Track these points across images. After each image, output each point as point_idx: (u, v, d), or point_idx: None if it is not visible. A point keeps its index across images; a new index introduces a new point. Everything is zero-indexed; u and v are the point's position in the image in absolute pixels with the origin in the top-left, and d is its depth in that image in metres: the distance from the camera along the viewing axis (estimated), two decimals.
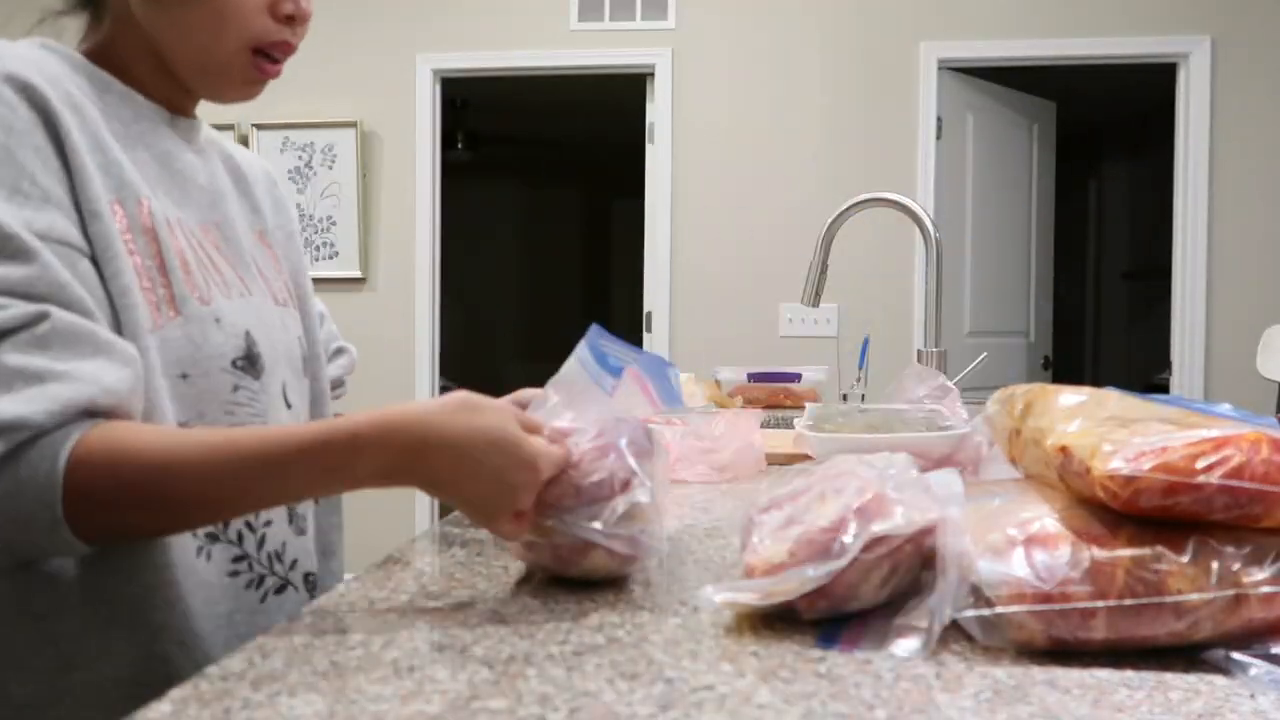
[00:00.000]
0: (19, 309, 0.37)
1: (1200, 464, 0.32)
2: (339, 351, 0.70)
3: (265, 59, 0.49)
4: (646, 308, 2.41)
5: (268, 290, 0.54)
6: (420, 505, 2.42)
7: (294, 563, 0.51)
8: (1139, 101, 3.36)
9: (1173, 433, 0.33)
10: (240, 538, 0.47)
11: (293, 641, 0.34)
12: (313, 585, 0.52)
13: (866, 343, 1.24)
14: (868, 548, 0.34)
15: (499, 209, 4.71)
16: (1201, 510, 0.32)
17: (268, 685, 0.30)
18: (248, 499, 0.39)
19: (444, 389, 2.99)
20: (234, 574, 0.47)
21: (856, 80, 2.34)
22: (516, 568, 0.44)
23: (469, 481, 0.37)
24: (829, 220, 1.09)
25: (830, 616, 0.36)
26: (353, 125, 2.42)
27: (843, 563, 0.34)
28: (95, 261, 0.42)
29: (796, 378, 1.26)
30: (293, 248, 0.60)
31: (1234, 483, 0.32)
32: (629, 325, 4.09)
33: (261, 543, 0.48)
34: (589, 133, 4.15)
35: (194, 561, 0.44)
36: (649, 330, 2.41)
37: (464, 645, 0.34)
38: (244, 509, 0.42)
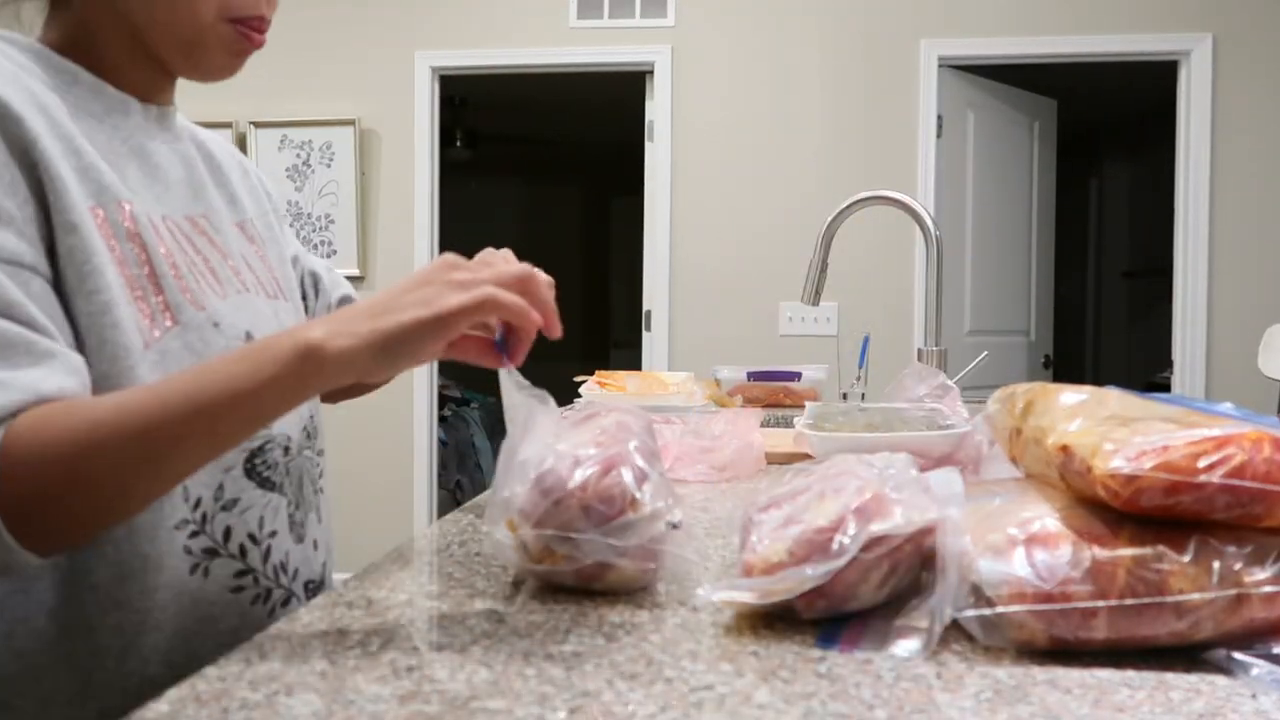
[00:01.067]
0: None
1: (1202, 463, 0.32)
2: (344, 300, 0.65)
3: (246, 28, 0.47)
4: (646, 306, 2.40)
5: (259, 284, 0.52)
6: (419, 504, 2.42)
7: (296, 572, 0.50)
8: (1140, 100, 3.35)
9: (1174, 431, 0.33)
10: (243, 551, 0.45)
11: (290, 641, 0.34)
12: (314, 594, 0.51)
13: (866, 341, 1.24)
14: (867, 547, 0.34)
15: (498, 207, 4.70)
16: (1203, 509, 0.32)
17: (265, 685, 0.30)
18: (190, 429, 0.34)
19: (442, 388, 2.98)
20: (237, 589, 0.45)
21: (857, 78, 2.34)
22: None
23: (396, 294, 0.35)
24: (829, 218, 1.08)
25: (829, 616, 0.35)
26: (351, 123, 2.42)
27: (841, 562, 0.34)
28: (65, 281, 0.39)
29: (796, 376, 1.25)
30: (275, 235, 0.57)
31: (1236, 482, 0.31)
32: (628, 324, 4.10)
33: (266, 555, 0.46)
34: (588, 130, 4.14)
35: (187, 580, 0.42)
36: (648, 329, 2.41)
37: (462, 645, 0.34)
38: (189, 448, 0.35)
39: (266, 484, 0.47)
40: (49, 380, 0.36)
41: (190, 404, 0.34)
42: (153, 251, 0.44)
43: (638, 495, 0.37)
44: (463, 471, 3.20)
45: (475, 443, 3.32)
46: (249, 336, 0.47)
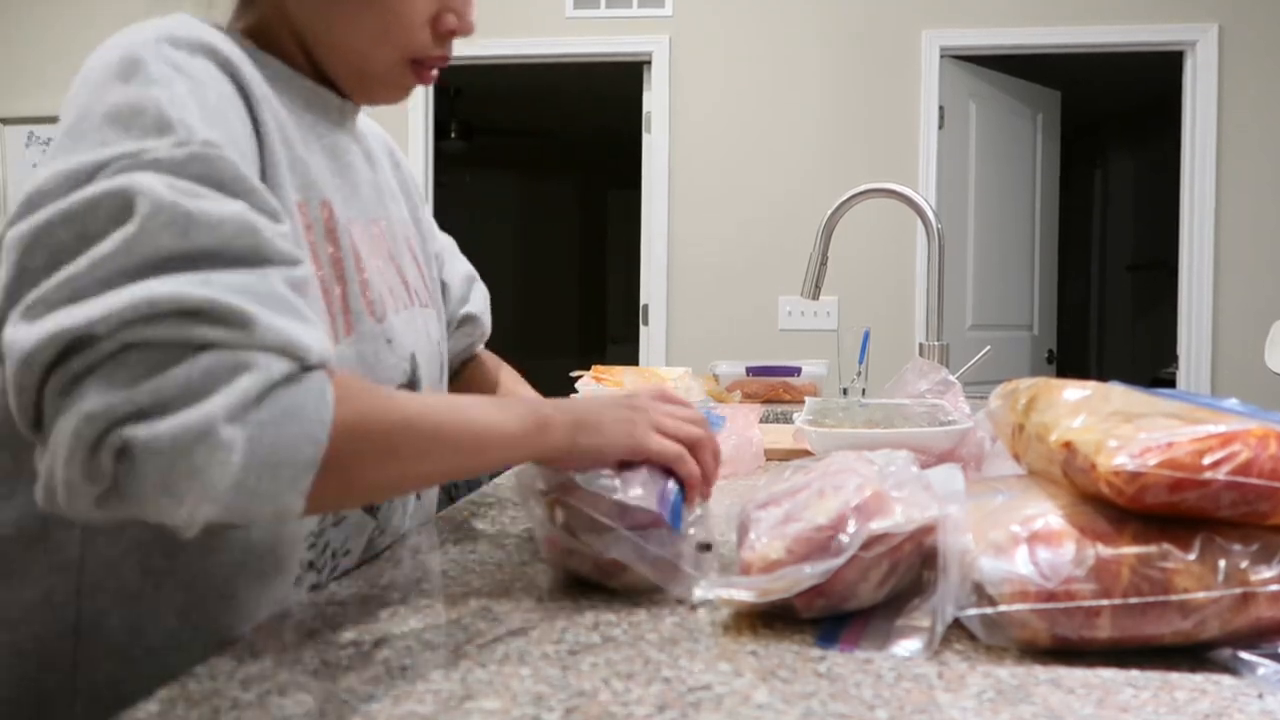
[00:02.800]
0: (284, 244, 0.34)
1: (1207, 460, 0.31)
2: (467, 320, 0.62)
3: (422, 68, 0.46)
4: (643, 300, 2.39)
5: (419, 294, 0.51)
6: (413, 501, 2.42)
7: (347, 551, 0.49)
8: (1145, 90, 3.33)
9: (1178, 428, 0.33)
10: (313, 565, 0.44)
11: (283, 640, 0.34)
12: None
13: (867, 336, 1.23)
14: (866, 546, 0.34)
15: (493, 199, 4.68)
16: (1208, 507, 0.32)
17: (257, 685, 0.30)
18: (457, 465, 0.37)
19: None
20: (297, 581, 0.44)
21: (857, 69, 2.32)
22: (511, 565, 0.44)
23: (609, 411, 0.39)
24: (829, 211, 1.08)
25: (829, 615, 0.35)
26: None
27: (841, 561, 0.33)
28: None
29: (796, 371, 1.25)
30: (425, 232, 0.56)
31: (1241, 479, 0.31)
32: (625, 319, 4.09)
33: (332, 572, 0.45)
34: (585, 122, 4.12)
35: (289, 590, 0.42)
36: (646, 323, 2.40)
37: (457, 644, 0.33)
38: (450, 475, 0.38)
39: (372, 508, 0.47)
40: (321, 327, 0.35)
41: (470, 431, 0.37)
42: (345, 255, 0.43)
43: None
44: None
45: None
46: (414, 359, 0.47)
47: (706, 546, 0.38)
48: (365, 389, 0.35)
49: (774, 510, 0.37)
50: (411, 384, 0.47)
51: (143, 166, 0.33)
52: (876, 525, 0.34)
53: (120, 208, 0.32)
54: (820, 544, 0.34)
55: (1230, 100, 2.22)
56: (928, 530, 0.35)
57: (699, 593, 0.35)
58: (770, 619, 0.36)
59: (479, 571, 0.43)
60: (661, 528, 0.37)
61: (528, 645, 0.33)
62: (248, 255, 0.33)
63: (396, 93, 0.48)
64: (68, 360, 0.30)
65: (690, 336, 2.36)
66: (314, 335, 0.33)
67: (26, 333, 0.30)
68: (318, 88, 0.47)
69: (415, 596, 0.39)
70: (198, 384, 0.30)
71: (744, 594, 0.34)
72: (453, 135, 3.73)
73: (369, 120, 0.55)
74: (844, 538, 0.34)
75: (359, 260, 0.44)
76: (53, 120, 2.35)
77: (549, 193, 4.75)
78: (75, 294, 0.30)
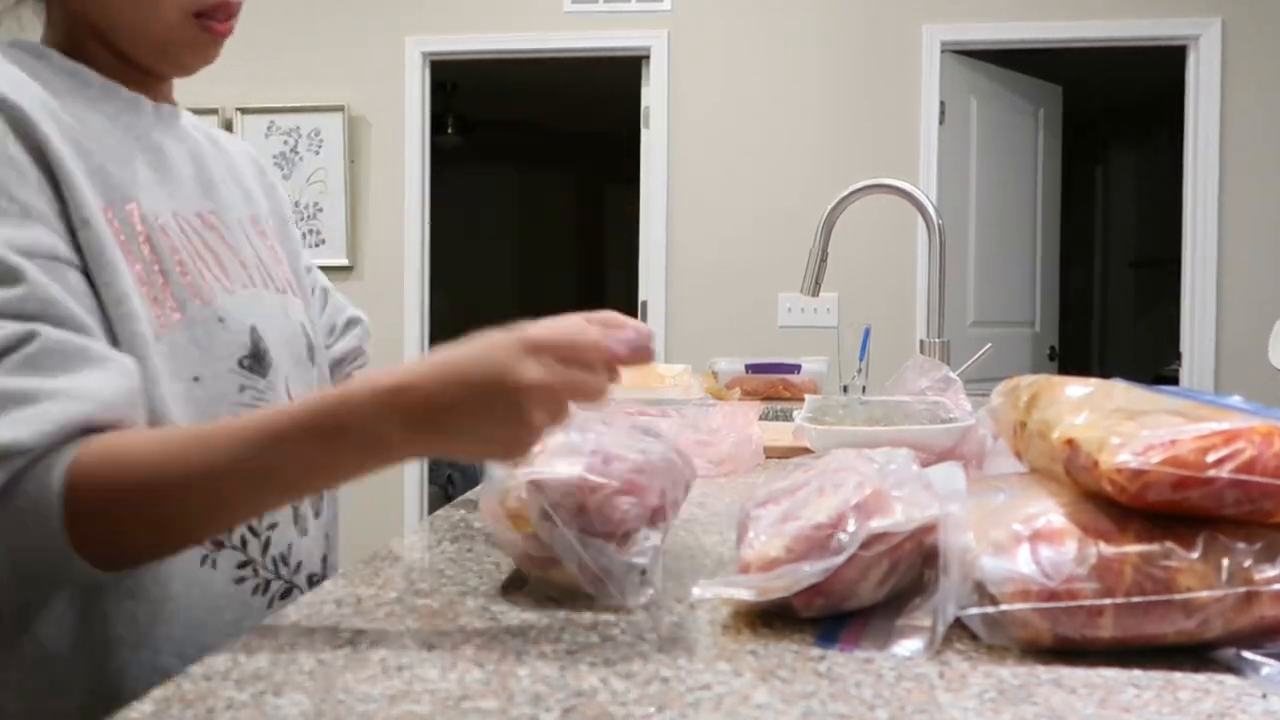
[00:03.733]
0: (7, 329, 0.36)
1: (1210, 458, 0.31)
2: (351, 322, 0.66)
3: (211, 20, 0.47)
4: (641, 297, 2.39)
5: (268, 279, 0.52)
6: (409, 499, 2.42)
7: (298, 565, 0.50)
8: (1147, 86, 3.31)
9: (1182, 425, 0.32)
10: (244, 543, 0.46)
11: (278, 640, 0.34)
12: (316, 586, 0.50)
13: (867, 333, 1.23)
14: (866, 545, 0.33)
15: (490, 195, 4.65)
16: (1212, 505, 0.31)
17: (252, 685, 0.30)
18: (249, 490, 0.36)
19: None
20: (239, 580, 0.45)
21: (857, 64, 2.31)
22: (508, 564, 0.44)
23: (476, 414, 0.33)
24: (829, 207, 1.07)
25: (828, 614, 0.35)
26: (340, 109, 2.39)
27: (840, 560, 0.33)
28: (87, 272, 0.40)
29: (795, 369, 1.24)
30: (287, 233, 0.59)
31: (1245, 477, 0.31)
32: (624, 315, 4.05)
33: (266, 546, 0.47)
34: (583, 117, 4.11)
35: (198, 572, 0.43)
36: (644, 320, 2.39)
37: (454, 644, 0.33)
38: (247, 504, 0.37)
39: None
40: (107, 385, 0.37)
41: (264, 470, 0.35)
42: (159, 248, 0.45)
43: (635, 536, 0.36)
44: (454, 466, 3.20)
45: None
46: (254, 330, 0.48)
47: (643, 573, 0.36)
48: (137, 446, 0.36)
49: (773, 508, 0.37)
50: (255, 355, 0.48)
51: None
52: (876, 524, 0.34)
53: None
54: (819, 542, 0.34)
55: (1233, 96, 2.21)
56: (928, 529, 0.34)
57: (697, 591, 0.35)
58: (770, 618, 0.35)
59: (476, 570, 0.43)
60: (610, 544, 0.36)
61: (525, 645, 0.33)
62: None
63: (201, 52, 0.49)
64: None
65: (689, 333, 2.36)
66: (12, 430, 0.34)
67: None
68: (133, 94, 0.49)
69: (412, 596, 0.39)
70: None
71: (742, 592, 0.34)
72: (449, 130, 3.72)
73: (236, 139, 0.60)
74: (843, 536, 0.33)
75: (175, 252, 0.46)
76: None
77: (547, 188, 4.73)
78: None
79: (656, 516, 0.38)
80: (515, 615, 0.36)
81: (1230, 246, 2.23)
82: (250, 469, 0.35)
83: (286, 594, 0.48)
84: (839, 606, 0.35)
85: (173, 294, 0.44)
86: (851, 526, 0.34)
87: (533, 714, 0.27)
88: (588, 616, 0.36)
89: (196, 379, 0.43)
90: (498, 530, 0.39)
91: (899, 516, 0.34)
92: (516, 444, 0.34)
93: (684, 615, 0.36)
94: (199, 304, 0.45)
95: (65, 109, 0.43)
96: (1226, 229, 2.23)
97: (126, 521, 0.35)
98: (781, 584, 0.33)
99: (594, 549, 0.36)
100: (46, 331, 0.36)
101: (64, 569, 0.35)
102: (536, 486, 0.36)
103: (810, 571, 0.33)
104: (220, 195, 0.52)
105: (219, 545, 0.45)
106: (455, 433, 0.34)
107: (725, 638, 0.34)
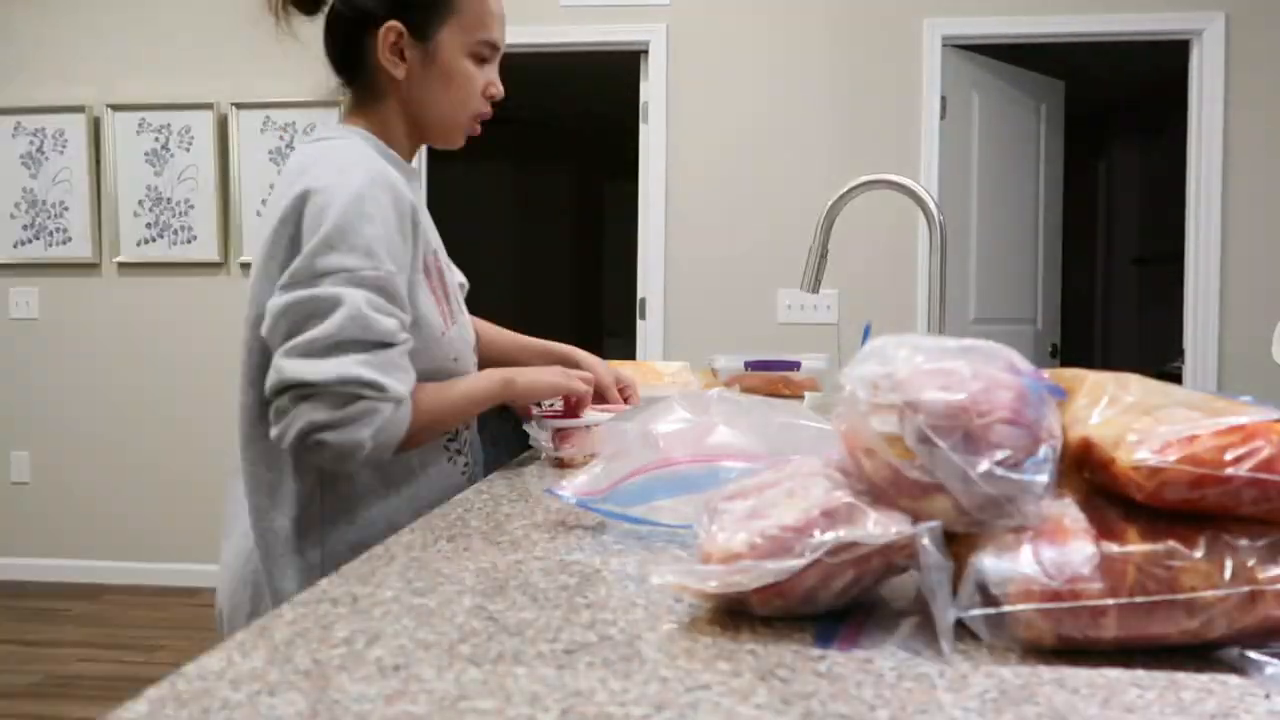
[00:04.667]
0: (403, 338, 0.65)
1: (1229, 455, 0.31)
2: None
3: (477, 120, 0.78)
4: (640, 294, 2.38)
5: (460, 297, 0.80)
6: None
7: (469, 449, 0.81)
8: (1150, 80, 3.30)
9: (1199, 420, 0.32)
10: (459, 444, 0.77)
11: (273, 639, 0.33)
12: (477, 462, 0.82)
13: (868, 330, 1.22)
14: (833, 552, 0.33)
15: (487, 190, 4.63)
16: (1229, 504, 0.31)
17: (247, 684, 0.29)
18: (473, 412, 0.75)
19: None
20: (453, 461, 0.76)
21: (858, 58, 2.30)
22: (506, 563, 0.43)
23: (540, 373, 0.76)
24: (829, 203, 1.07)
25: (783, 615, 0.34)
26: (336, 104, 2.37)
27: (803, 563, 0.33)
28: (413, 294, 0.68)
29: (795, 366, 1.24)
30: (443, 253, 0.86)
31: (1264, 475, 0.30)
32: (622, 312, 4.07)
33: (465, 444, 0.78)
34: (581, 112, 4.09)
35: (445, 464, 0.75)
36: (643, 317, 2.38)
37: (451, 643, 0.33)
38: (466, 417, 0.75)
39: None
40: (411, 374, 0.66)
41: (472, 403, 0.73)
42: (446, 283, 0.74)
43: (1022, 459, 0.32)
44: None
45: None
46: (469, 336, 0.77)
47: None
48: (426, 396, 0.68)
49: (741, 503, 0.36)
50: (464, 352, 0.76)
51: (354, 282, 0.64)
52: (845, 533, 0.33)
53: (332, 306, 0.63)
54: (784, 543, 0.33)
55: (1237, 91, 2.20)
56: (900, 548, 0.34)
57: (655, 578, 0.35)
58: (770, 618, 0.35)
59: (473, 570, 0.42)
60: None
61: (523, 644, 0.33)
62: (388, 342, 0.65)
63: (463, 139, 0.79)
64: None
65: (688, 330, 2.35)
66: (403, 386, 0.64)
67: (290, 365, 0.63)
68: (411, 166, 0.77)
69: (409, 595, 0.38)
70: (356, 415, 0.62)
71: (698, 582, 0.34)
72: None
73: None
74: (810, 540, 0.33)
75: (447, 285, 0.74)
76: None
77: (544, 183, 4.70)
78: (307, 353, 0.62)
79: (1038, 444, 0.35)
80: (513, 614, 0.36)
81: (1234, 243, 2.22)
82: (477, 406, 0.73)
83: (466, 467, 0.78)
84: (797, 610, 0.34)
85: (449, 309, 0.73)
86: (820, 532, 0.33)
87: (530, 714, 0.27)
88: (586, 615, 0.36)
89: (455, 359, 0.73)
90: (857, 457, 0.35)
91: (870, 529, 0.33)
92: (560, 384, 0.76)
93: (682, 615, 0.36)
94: (455, 318, 0.74)
95: (402, 184, 0.69)
96: (1230, 226, 2.22)
97: (429, 434, 0.70)
98: (738, 579, 0.33)
99: (983, 471, 0.33)
100: (403, 343, 0.65)
101: (387, 454, 0.65)
102: (912, 407, 0.33)
103: (772, 569, 0.33)
104: (435, 236, 0.76)
105: (457, 449, 0.77)
106: (533, 375, 0.76)
107: (724, 637, 0.34)
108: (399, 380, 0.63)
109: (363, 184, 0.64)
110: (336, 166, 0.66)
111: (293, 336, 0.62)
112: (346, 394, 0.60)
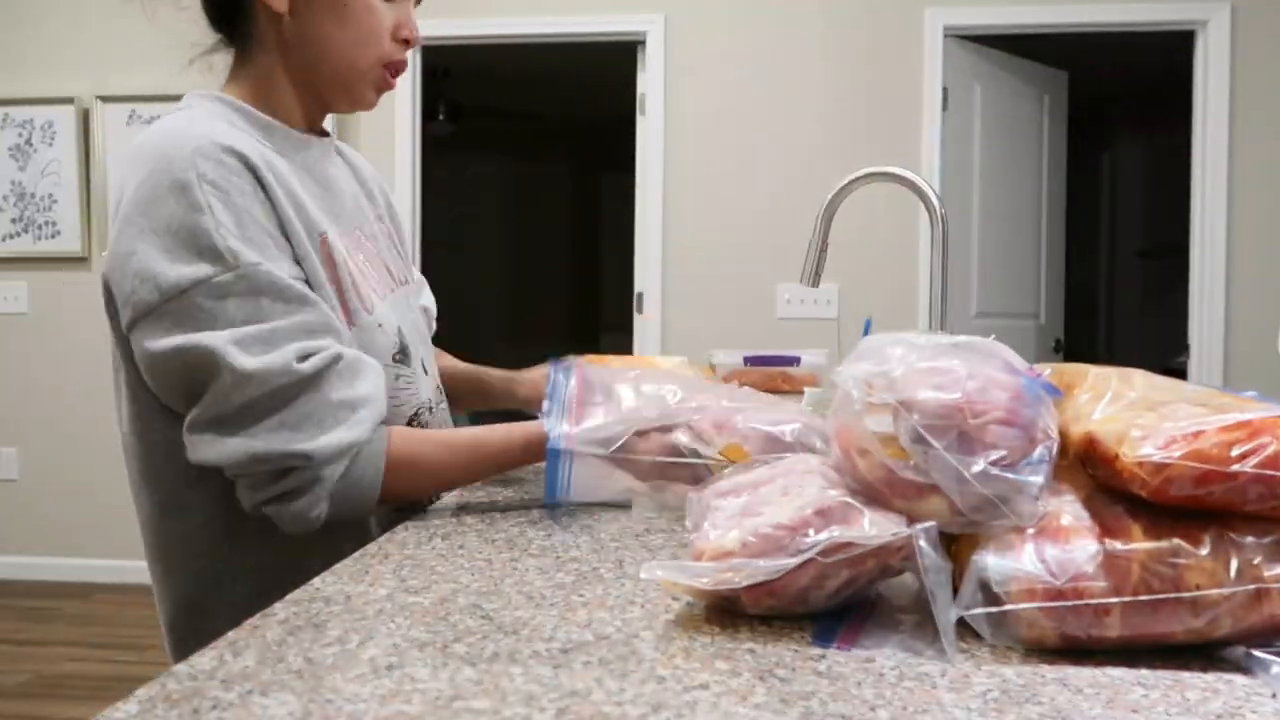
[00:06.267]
0: (325, 351, 0.51)
1: (1235, 452, 0.30)
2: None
3: (390, 73, 0.60)
4: (637, 288, 2.37)
5: (398, 274, 0.65)
6: None
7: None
8: (1155, 71, 3.27)
9: (1205, 416, 0.31)
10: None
11: (265, 638, 0.33)
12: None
13: (869, 325, 1.22)
14: (826, 552, 0.32)
15: (483, 183, 4.59)
16: (1235, 500, 0.31)
17: (239, 684, 0.29)
18: (485, 474, 0.58)
19: None
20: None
21: (858, 49, 2.28)
22: (501, 561, 0.43)
23: None
24: (829, 196, 1.06)
25: (775, 615, 0.34)
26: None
27: (796, 562, 0.32)
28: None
29: (795, 361, 1.23)
30: (398, 222, 0.71)
31: (1270, 472, 0.30)
32: (619, 306, 4.05)
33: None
34: (577, 104, 4.06)
35: None
36: (640, 311, 2.37)
37: (445, 642, 0.33)
38: (475, 479, 0.59)
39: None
40: (380, 385, 0.53)
41: (482, 464, 0.57)
42: (341, 271, 0.56)
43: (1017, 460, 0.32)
44: None
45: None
46: (400, 331, 0.60)
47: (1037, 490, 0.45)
48: (411, 446, 0.54)
49: (734, 500, 0.36)
50: (402, 350, 0.60)
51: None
52: (840, 533, 0.33)
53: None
54: (777, 542, 0.33)
55: (1243, 81, 2.18)
56: (896, 550, 0.33)
57: (644, 573, 0.34)
58: (769, 617, 0.35)
59: (468, 568, 0.42)
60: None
61: (518, 644, 0.33)
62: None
63: (375, 95, 0.61)
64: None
65: (686, 324, 2.34)
66: (351, 433, 0.51)
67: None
68: (302, 135, 0.60)
69: (402, 593, 0.38)
70: (293, 489, 0.50)
71: (690, 579, 0.33)
72: (440, 117, 3.67)
73: (357, 154, 0.70)
74: (804, 540, 0.33)
75: (349, 268, 0.57)
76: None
77: (540, 176, 4.66)
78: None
79: (1033, 445, 0.34)
80: (508, 613, 0.36)
81: (1240, 236, 2.21)
82: (488, 469, 0.57)
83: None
84: (789, 609, 0.34)
85: (348, 308, 0.56)
86: (813, 532, 0.33)
87: (526, 714, 0.27)
88: (582, 614, 0.35)
89: None
90: (851, 456, 0.35)
91: (866, 529, 0.33)
92: None
93: (680, 613, 0.36)
94: (366, 315, 0.57)
95: (270, 155, 0.54)
96: (1236, 217, 2.21)
97: (415, 491, 0.55)
98: (729, 577, 0.33)
99: (978, 471, 0.32)
100: (342, 350, 0.51)
101: (367, 511, 0.53)
102: (906, 407, 0.33)
103: (764, 567, 0.32)
104: (364, 207, 0.64)
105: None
106: None
107: (723, 636, 0.33)
108: (332, 430, 0.49)
109: (182, 165, 0.49)
110: (148, 157, 0.51)
111: (190, 402, 0.50)
112: (272, 471, 0.49)
